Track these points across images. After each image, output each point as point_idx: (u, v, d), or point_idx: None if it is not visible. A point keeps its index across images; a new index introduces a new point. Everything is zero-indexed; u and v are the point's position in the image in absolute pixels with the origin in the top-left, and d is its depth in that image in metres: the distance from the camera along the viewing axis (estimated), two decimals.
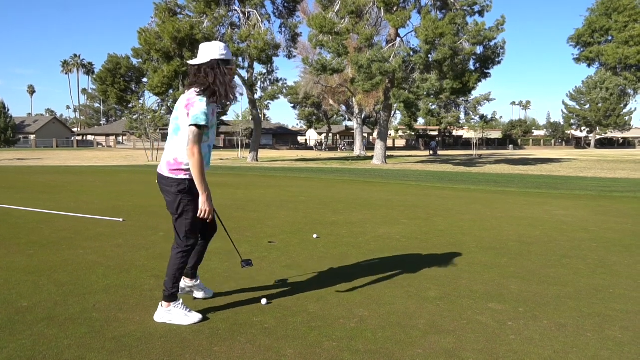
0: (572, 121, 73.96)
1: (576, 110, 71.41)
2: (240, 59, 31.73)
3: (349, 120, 68.95)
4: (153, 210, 7.87)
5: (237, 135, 39.55)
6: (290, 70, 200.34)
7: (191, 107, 3.01)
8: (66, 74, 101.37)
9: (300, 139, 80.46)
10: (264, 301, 3.55)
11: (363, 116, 50.59)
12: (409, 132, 71.09)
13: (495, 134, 79.54)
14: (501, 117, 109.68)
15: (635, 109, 72.44)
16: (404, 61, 25.65)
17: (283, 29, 32.97)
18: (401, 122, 71.82)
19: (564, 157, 37.36)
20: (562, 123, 78.21)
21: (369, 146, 55.39)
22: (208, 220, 3.16)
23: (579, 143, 78.33)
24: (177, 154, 3.10)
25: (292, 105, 72.23)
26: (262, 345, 2.86)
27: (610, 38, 59.83)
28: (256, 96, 34.10)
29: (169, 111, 57.47)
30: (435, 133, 73.00)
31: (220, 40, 30.09)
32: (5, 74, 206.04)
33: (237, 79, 22.57)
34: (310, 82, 46.81)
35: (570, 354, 2.80)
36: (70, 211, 7.62)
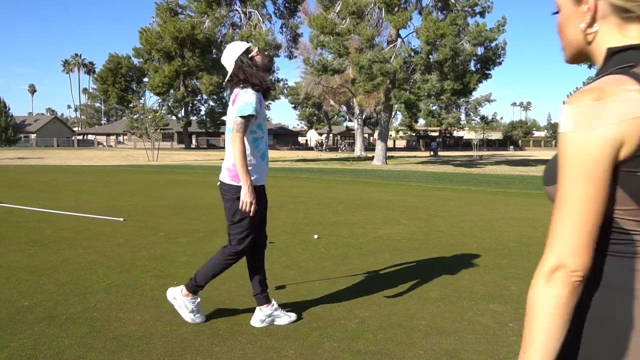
0: None
1: None
2: None
3: (350, 120, 68.97)
4: (154, 210, 7.87)
5: None
6: (291, 71, 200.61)
7: (236, 100, 2.97)
8: (67, 73, 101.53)
9: (301, 140, 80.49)
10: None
11: (364, 117, 50.59)
12: (409, 132, 71.15)
13: (496, 135, 79.54)
14: (502, 118, 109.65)
15: None
16: (405, 62, 25.67)
17: (284, 30, 33.02)
18: (402, 123, 71.87)
19: None
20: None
21: (370, 147, 55.41)
22: (251, 214, 2.96)
23: None
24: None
25: (293, 105, 72.20)
26: (263, 345, 2.86)
27: None
28: None
29: (170, 111, 57.62)
30: (436, 134, 73.01)
31: (221, 41, 30.15)
32: (6, 72, 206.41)
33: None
34: (311, 82, 46.81)
35: None
36: (71, 210, 7.63)
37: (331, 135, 76.70)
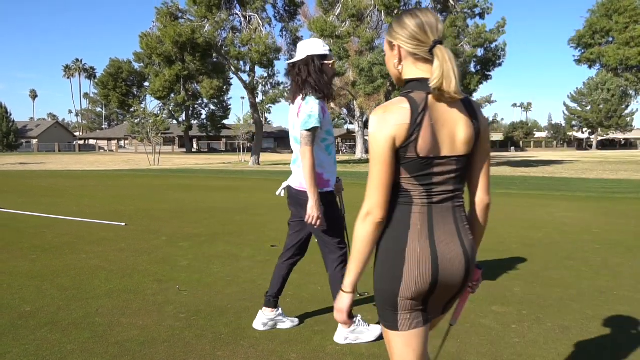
0: (573, 123, 73.86)
1: (577, 112, 71.34)
2: (241, 62, 31.80)
3: (351, 123, 68.99)
4: (155, 214, 7.87)
5: (238, 139, 39.61)
6: None
7: (300, 113, 2.89)
8: (68, 78, 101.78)
9: None
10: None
11: (364, 119, 50.61)
12: None
13: (497, 136, 79.51)
14: (502, 119, 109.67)
15: (637, 109, 72.47)
16: None
17: (284, 33, 33.05)
18: None
19: (566, 159, 37.31)
20: (563, 125, 78.12)
21: None
22: (316, 226, 2.93)
23: (581, 144, 78.23)
24: None
25: None
26: (265, 349, 2.86)
27: (611, 39, 59.80)
28: (257, 100, 34.15)
29: (171, 115, 57.67)
30: None
31: (221, 45, 30.19)
32: (7, 78, 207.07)
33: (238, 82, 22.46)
34: None
35: (574, 356, 2.79)
36: (73, 215, 7.64)
37: None
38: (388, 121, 1.41)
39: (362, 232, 1.47)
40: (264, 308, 3.18)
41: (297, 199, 3.05)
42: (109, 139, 73.68)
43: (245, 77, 32.34)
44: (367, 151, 48.39)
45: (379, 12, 26.30)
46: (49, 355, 2.73)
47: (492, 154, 55.95)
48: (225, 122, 65.26)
